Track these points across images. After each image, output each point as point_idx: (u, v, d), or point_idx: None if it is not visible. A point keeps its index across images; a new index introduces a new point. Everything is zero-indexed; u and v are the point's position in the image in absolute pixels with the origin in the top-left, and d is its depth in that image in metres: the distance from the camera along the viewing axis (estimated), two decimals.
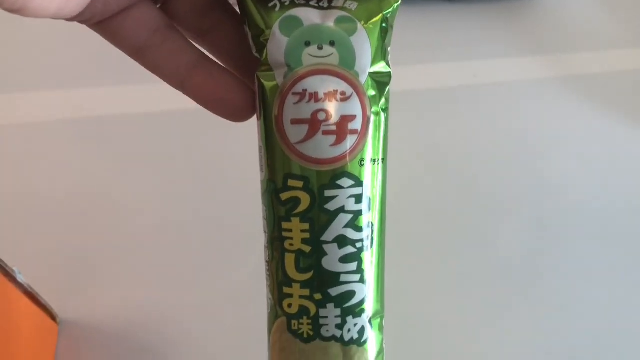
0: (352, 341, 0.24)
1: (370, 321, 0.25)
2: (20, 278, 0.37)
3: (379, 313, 0.25)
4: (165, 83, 0.25)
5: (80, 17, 0.23)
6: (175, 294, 0.44)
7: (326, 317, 0.24)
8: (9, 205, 0.47)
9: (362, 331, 0.24)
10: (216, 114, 0.25)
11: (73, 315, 0.43)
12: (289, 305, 0.24)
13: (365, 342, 0.25)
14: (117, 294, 0.44)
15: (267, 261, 0.25)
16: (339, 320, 0.24)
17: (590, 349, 0.44)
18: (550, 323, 0.45)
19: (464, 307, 0.45)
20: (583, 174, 0.54)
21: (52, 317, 0.42)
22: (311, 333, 0.24)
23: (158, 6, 0.25)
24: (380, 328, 0.25)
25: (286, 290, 0.24)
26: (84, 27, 0.24)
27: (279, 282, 0.24)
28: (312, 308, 0.24)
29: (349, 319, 0.24)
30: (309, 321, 0.24)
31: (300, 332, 0.24)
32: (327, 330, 0.24)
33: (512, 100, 0.58)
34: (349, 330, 0.24)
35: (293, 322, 0.24)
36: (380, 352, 0.25)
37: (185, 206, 0.49)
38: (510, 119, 0.57)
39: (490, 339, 0.44)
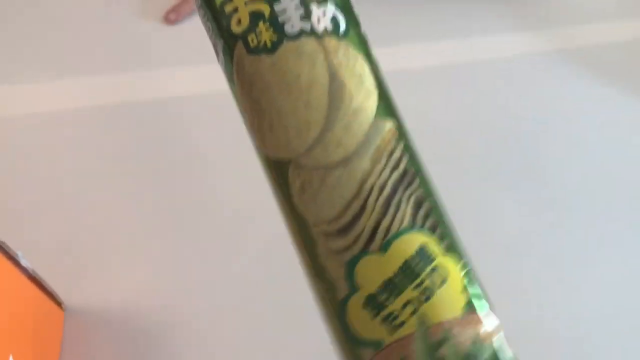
0: (327, 32, 0.19)
1: (339, 9, 0.20)
2: (24, 262, 0.34)
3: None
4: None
5: None
6: (180, 280, 0.41)
7: (284, 11, 0.19)
8: (14, 190, 0.44)
9: (335, 21, 0.20)
10: None
11: (79, 301, 0.39)
12: (238, 22, 0.20)
13: (345, 33, 0.20)
14: (123, 279, 0.40)
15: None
16: (301, 11, 0.19)
17: (595, 323, 0.40)
18: (551, 300, 0.42)
19: None
20: (584, 146, 0.51)
21: (58, 303, 0.37)
22: (274, 38, 0.19)
23: None
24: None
25: (229, 7, 0.20)
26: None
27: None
28: (265, 8, 0.19)
29: (313, 6, 0.19)
30: (267, 25, 0.19)
31: (262, 44, 0.19)
32: (292, 26, 0.19)
33: (511, 76, 0.57)
34: (319, 20, 0.19)
35: (250, 38, 0.19)
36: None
37: (191, 192, 0.45)
38: (508, 94, 0.55)
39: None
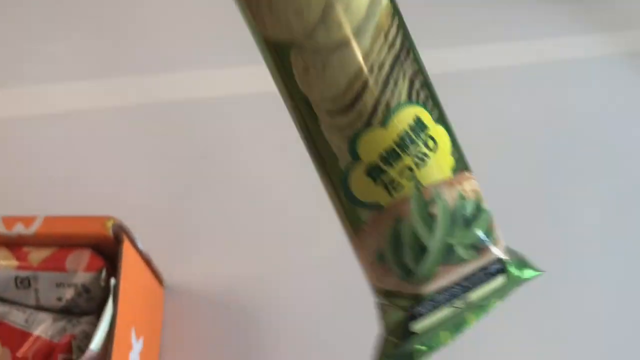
0: None
1: None
2: (140, 246, 0.37)
3: None
4: None
5: None
6: (278, 260, 0.43)
7: None
8: (130, 170, 0.47)
9: None
10: None
11: (178, 280, 0.42)
12: None
13: None
14: (221, 259, 0.43)
15: None
16: None
17: None
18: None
19: None
20: None
21: (160, 281, 0.41)
22: None
23: None
24: None
25: None
26: None
27: None
28: None
29: None
30: None
31: None
32: None
33: (579, 78, 0.57)
34: None
35: None
36: None
37: (293, 177, 0.48)
38: (577, 96, 0.55)
39: None
